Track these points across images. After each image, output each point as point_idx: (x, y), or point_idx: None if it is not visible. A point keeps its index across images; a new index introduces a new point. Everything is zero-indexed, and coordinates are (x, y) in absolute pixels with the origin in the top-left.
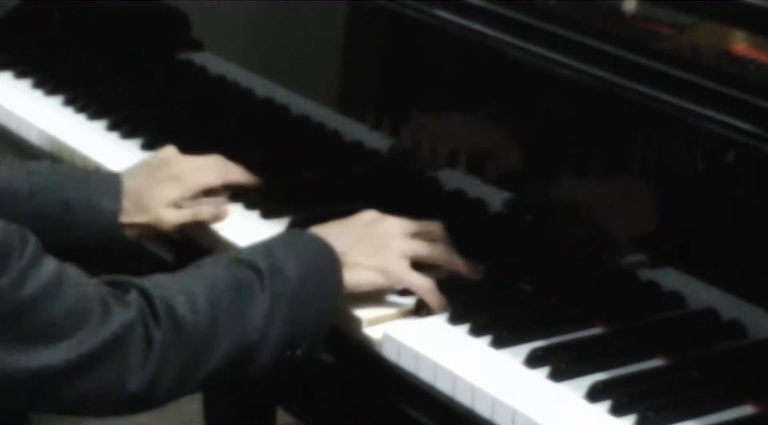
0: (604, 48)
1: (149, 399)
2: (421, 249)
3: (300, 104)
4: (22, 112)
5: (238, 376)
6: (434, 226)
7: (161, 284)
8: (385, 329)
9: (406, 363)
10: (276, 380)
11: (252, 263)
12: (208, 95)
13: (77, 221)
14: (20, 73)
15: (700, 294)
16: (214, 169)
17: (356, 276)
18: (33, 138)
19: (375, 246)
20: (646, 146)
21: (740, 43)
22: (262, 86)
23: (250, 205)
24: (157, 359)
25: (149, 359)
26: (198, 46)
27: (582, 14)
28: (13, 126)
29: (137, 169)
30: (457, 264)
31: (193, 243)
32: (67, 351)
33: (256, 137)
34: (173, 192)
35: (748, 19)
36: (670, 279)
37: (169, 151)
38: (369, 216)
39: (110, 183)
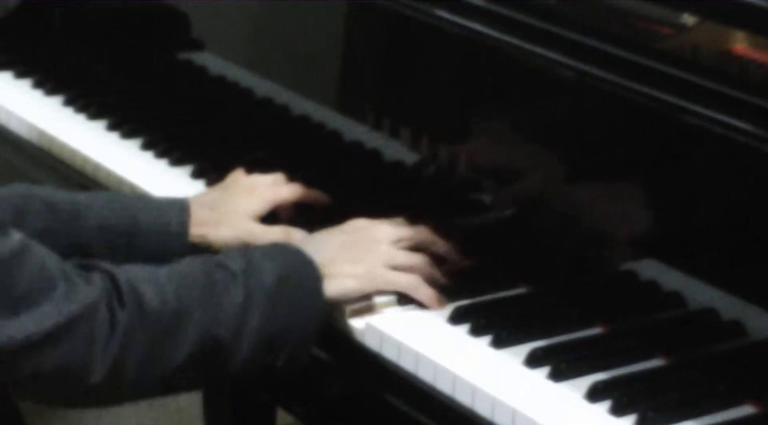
0: (604, 48)
1: (113, 385)
2: (405, 260)
3: (300, 104)
4: (22, 112)
5: (214, 375)
6: (423, 232)
7: (128, 270)
8: (385, 329)
9: (406, 363)
10: (276, 380)
11: (225, 264)
12: (208, 95)
13: (145, 236)
14: (20, 73)
15: (700, 294)
16: (284, 184)
17: (340, 285)
18: (33, 138)
19: (359, 253)
20: (646, 146)
21: (740, 43)
22: (262, 86)
23: None
24: (120, 342)
25: (112, 341)
26: (198, 46)
27: (582, 14)
28: (13, 126)
29: (207, 190)
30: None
31: None
32: (30, 324)
33: (256, 137)
34: (251, 204)
35: (748, 19)
36: (670, 279)
37: (238, 172)
38: (357, 223)
39: (177, 202)
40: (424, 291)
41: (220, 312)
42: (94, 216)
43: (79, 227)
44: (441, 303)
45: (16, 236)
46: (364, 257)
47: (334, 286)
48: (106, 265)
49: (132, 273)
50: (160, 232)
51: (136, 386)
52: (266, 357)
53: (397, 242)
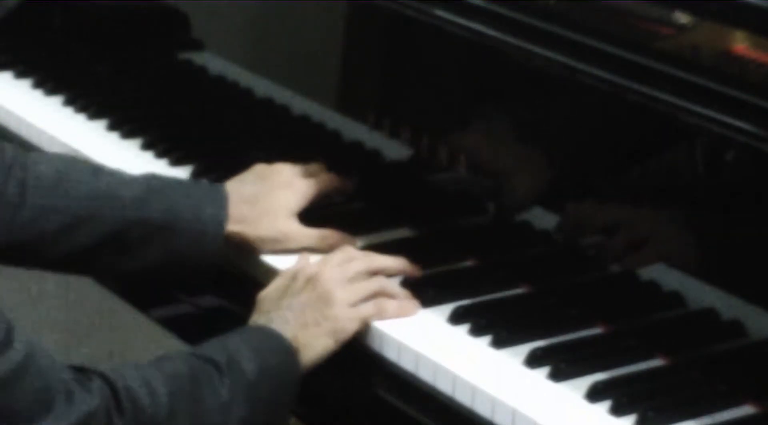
0: (604, 48)
1: None
2: (363, 291)
3: (300, 104)
4: (22, 112)
5: None
6: (370, 259)
7: (124, 374)
8: (386, 329)
9: (406, 363)
10: None
11: (209, 357)
12: (208, 95)
13: (181, 230)
14: (20, 73)
15: (700, 294)
16: (317, 174)
17: (314, 353)
18: (33, 138)
19: (319, 309)
20: (646, 146)
21: (740, 43)
22: (262, 86)
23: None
24: None
25: None
26: (198, 46)
27: (582, 14)
28: (13, 126)
29: (243, 176)
30: (397, 293)
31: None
32: None
33: (256, 137)
34: (291, 200)
35: (748, 19)
36: (670, 279)
37: (279, 165)
38: (305, 273)
39: (214, 192)
40: (390, 311)
41: (206, 411)
42: (133, 208)
43: (118, 217)
44: (412, 309)
45: (18, 348)
46: (326, 312)
47: (312, 354)
48: (104, 371)
49: (127, 375)
50: (196, 230)
51: None
52: None
53: (348, 278)
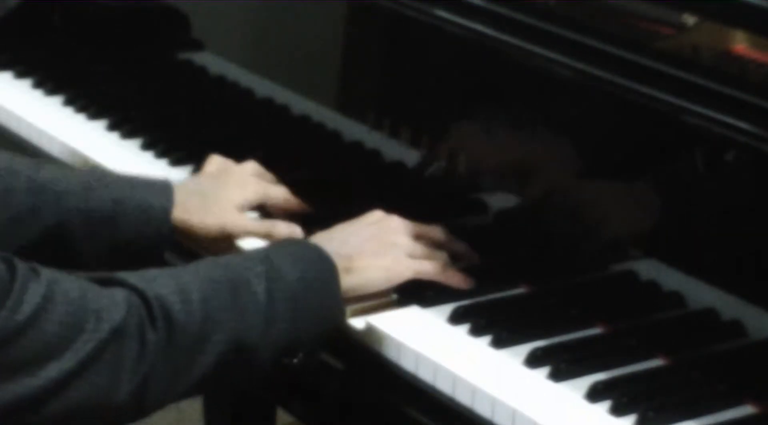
0: (604, 48)
1: (137, 403)
2: (424, 254)
3: (300, 104)
4: (22, 112)
5: (235, 379)
6: (437, 231)
7: (156, 281)
8: (386, 329)
9: (406, 363)
10: (276, 380)
11: (249, 266)
12: (208, 95)
13: (127, 219)
14: (20, 73)
15: (700, 294)
16: (273, 183)
17: (364, 278)
18: (33, 138)
19: (381, 245)
20: (646, 146)
21: (740, 43)
22: (262, 86)
23: None
24: (149, 362)
25: (141, 362)
26: (198, 46)
27: (582, 14)
28: (13, 126)
29: (196, 176)
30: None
31: None
32: (58, 369)
33: (256, 137)
34: (242, 196)
35: (748, 19)
36: (670, 279)
37: (219, 159)
38: (375, 216)
39: (159, 183)
40: (451, 275)
41: (244, 320)
42: (76, 199)
43: (62, 208)
44: (469, 283)
45: (39, 288)
46: (388, 248)
47: (360, 280)
48: (134, 281)
49: (159, 283)
50: (142, 218)
51: (159, 400)
52: (285, 358)
53: (416, 236)
